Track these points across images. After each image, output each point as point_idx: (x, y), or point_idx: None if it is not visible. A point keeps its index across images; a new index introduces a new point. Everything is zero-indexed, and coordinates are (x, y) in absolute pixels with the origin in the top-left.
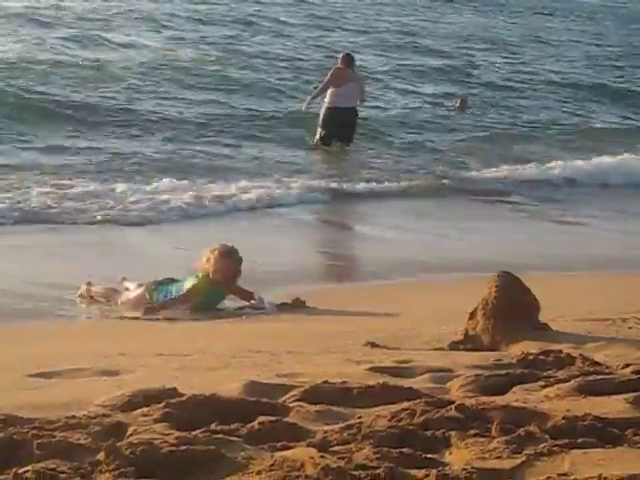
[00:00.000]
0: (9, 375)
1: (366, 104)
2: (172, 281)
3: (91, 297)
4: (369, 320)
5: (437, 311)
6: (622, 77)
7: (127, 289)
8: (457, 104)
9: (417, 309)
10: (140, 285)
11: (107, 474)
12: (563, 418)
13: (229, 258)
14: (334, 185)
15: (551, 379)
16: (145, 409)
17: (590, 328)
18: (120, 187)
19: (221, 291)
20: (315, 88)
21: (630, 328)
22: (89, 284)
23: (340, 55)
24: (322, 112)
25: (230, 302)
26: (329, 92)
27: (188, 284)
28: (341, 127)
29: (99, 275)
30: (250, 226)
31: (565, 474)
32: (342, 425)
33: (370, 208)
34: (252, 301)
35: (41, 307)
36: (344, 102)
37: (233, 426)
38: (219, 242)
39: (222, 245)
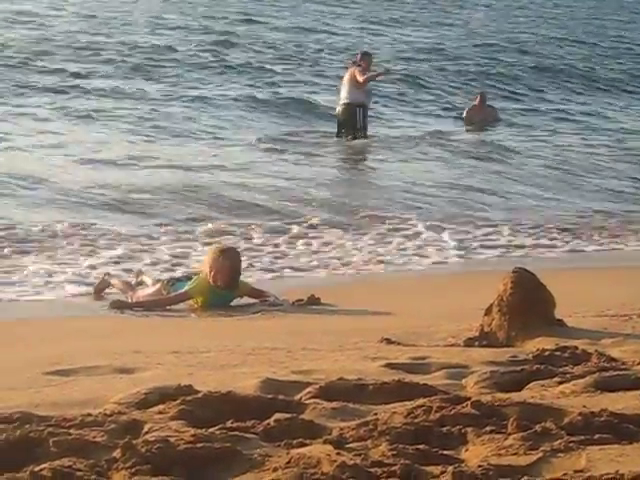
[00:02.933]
0: (26, 373)
1: None
2: (188, 279)
3: (103, 290)
4: (384, 317)
5: (452, 308)
6: None
7: (142, 283)
8: (476, 102)
9: (432, 306)
10: (157, 281)
11: (123, 472)
12: (579, 414)
13: (224, 258)
14: None
15: (567, 375)
16: (161, 406)
17: (606, 324)
18: None
19: (228, 292)
20: None
21: None
22: (108, 275)
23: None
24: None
25: (244, 300)
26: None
27: (189, 285)
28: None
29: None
30: None
31: (581, 470)
32: (358, 422)
33: None
34: (266, 300)
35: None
36: (340, 99)
37: (249, 423)
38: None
39: (217, 246)
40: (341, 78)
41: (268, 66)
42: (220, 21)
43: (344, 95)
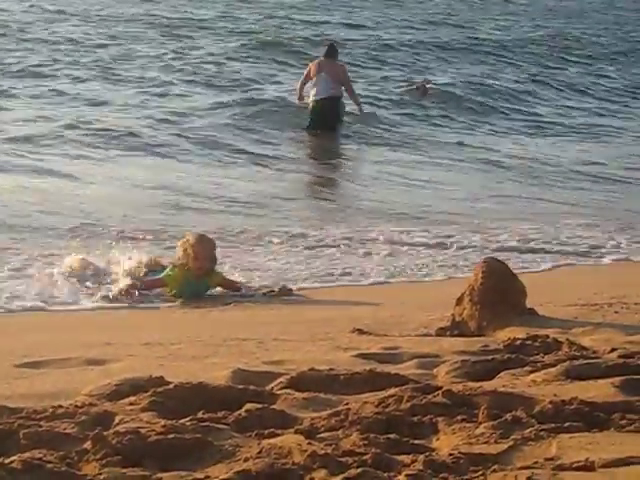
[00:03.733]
0: None
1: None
2: (163, 269)
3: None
4: (356, 307)
5: (424, 298)
6: None
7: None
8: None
9: (404, 296)
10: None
11: (94, 463)
12: (550, 403)
13: (198, 244)
14: None
15: (538, 364)
16: (132, 398)
17: (577, 313)
18: None
19: (201, 282)
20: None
21: (616, 313)
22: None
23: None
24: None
25: (216, 291)
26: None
27: (164, 272)
28: (321, 119)
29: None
30: None
31: (552, 458)
32: (329, 412)
33: None
34: (238, 290)
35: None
36: (317, 94)
37: (220, 414)
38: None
39: (193, 233)
40: (313, 69)
41: None
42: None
43: (330, 89)
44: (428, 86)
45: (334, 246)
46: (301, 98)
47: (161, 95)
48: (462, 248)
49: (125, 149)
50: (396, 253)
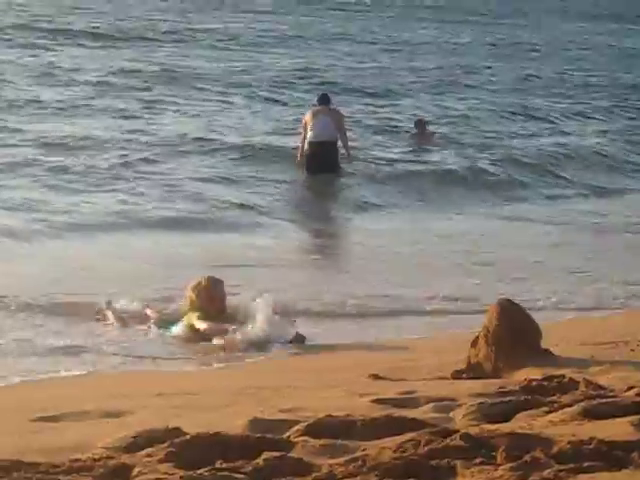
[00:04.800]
0: (13, 419)
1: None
2: (175, 321)
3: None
4: (371, 353)
5: (439, 342)
6: None
7: (147, 318)
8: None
9: (419, 340)
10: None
11: None
12: (568, 443)
13: (215, 286)
14: None
15: (555, 404)
16: (149, 449)
17: (593, 352)
18: None
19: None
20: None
21: (632, 351)
22: (108, 303)
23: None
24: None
25: None
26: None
27: (187, 321)
28: (320, 162)
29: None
30: None
31: None
32: (347, 458)
33: None
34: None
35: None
36: (317, 136)
37: (238, 463)
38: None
39: (204, 277)
40: (309, 116)
41: None
42: None
43: (329, 132)
44: (431, 129)
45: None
46: (302, 155)
47: None
48: None
49: None
50: None
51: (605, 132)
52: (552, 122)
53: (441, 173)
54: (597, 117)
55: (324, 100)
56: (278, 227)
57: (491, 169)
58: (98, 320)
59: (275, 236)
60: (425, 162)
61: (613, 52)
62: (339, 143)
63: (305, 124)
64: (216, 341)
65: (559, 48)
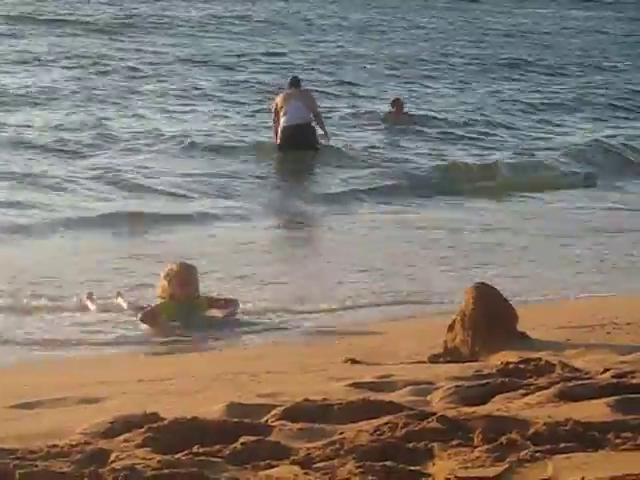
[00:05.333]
0: None
1: None
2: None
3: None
4: (348, 338)
5: (417, 326)
6: None
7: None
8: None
9: (396, 326)
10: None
11: None
12: (544, 424)
13: (186, 271)
14: None
15: (531, 387)
16: (127, 435)
17: (569, 335)
18: None
19: (190, 307)
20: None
21: (608, 333)
22: (90, 294)
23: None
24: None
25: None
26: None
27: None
28: (294, 142)
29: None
30: None
31: (548, 479)
32: (325, 442)
33: None
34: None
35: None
36: (290, 120)
37: (215, 447)
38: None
39: (175, 263)
40: (280, 100)
41: None
42: None
43: (302, 115)
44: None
45: None
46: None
47: None
48: None
49: None
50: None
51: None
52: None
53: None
54: None
55: (294, 83)
56: (247, 219)
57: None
58: (79, 310)
59: (244, 228)
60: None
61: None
62: (313, 124)
63: (276, 107)
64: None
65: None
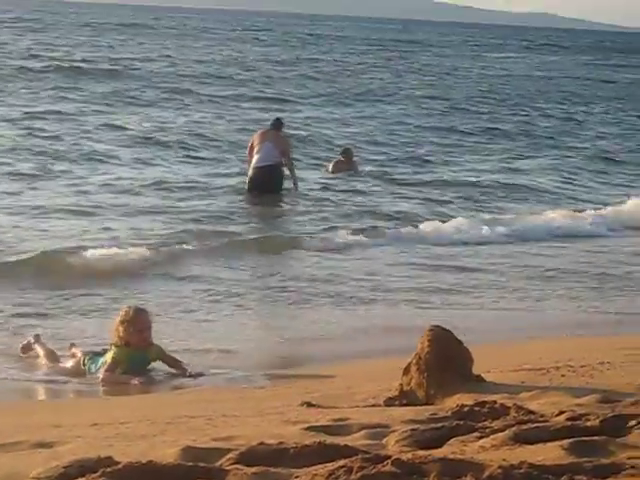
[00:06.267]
0: None
1: None
2: (104, 352)
3: (29, 349)
4: (303, 381)
5: (373, 369)
6: None
7: (74, 356)
8: (342, 159)
9: (352, 368)
10: (74, 355)
11: None
12: (499, 467)
13: (141, 316)
14: None
15: (486, 430)
16: (81, 479)
17: (524, 378)
18: None
19: (144, 354)
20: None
21: (563, 376)
22: (37, 338)
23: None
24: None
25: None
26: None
27: (108, 356)
28: (261, 184)
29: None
30: None
31: None
32: None
33: None
34: (182, 370)
35: None
36: (261, 160)
37: None
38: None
39: (128, 308)
40: (257, 138)
41: None
42: None
43: (272, 157)
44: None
45: None
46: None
47: None
48: None
49: None
50: None
51: None
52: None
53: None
54: None
55: (276, 125)
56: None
57: None
58: (25, 354)
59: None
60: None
61: None
62: (283, 168)
63: (251, 147)
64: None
65: None
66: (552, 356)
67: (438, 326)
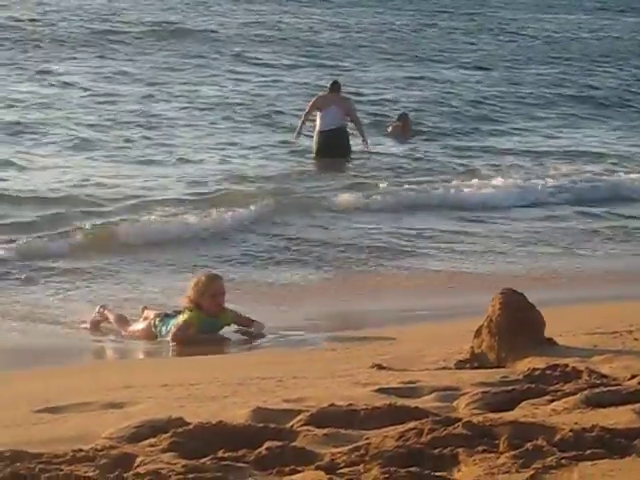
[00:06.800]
0: (16, 411)
1: None
2: (176, 314)
3: (99, 322)
4: (374, 343)
5: (443, 332)
6: None
7: (146, 318)
8: (399, 124)
9: (421, 331)
10: (145, 318)
11: None
12: (571, 431)
13: (214, 282)
14: None
15: (558, 393)
16: (152, 439)
17: (596, 341)
18: None
19: (217, 320)
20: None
21: (636, 340)
22: (103, 307)
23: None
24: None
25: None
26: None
27: (181, 318)
28: (330, 149)
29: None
30: None
31: None
32: (350, 447)
33: None
34: (252, 328)
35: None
36: (327, 125)
37: (240, 452)
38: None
39: (204, 274)
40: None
41: None
42: None
43: (338, 121)
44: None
45: None
46: (298, 135)
47: None
48: None
49: None
50: None
51: None
52: None
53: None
54: None
55: (334, 87)
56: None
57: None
58: (93, 330)
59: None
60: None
61: None
62: (349, 129)
63: (312, 107)
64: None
65: None
66: (626, 320)
67: (510, 289)
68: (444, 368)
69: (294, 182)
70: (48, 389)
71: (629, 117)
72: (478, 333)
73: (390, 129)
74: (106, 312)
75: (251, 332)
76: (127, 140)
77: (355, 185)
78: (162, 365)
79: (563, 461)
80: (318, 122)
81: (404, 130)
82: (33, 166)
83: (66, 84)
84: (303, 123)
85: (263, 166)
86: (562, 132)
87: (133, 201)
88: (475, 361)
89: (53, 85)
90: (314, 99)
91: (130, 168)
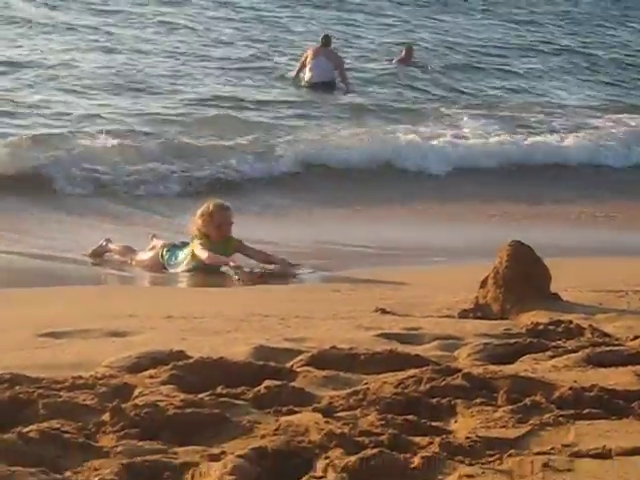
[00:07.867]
0: (19, 334)
1: None
2: (184, 245)
3: (102, 252)
4: (380, 287)
5: (450, 279)
6: None
7: (154, 248)
8: (402, 54)
9: (430, 277)
10: (153, 247)
11: (111, 435)
12: (570, 389)
13: (223, 211)
14: None
15: (560, 349)
16: (152, 371)
17: (601, 299)
18: None
19: (224, 246)
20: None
21: None
22: (108, 240)
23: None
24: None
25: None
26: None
27: (188, 250)
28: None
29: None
30: None
31: (569, 445)
32: (348, 391)
33: None
34: (272, 265)
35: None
36: (318, 76)
37: (239, 390)
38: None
39: (211, 202)
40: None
41: None
42: None
43: (327, 73)
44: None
45: None
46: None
47: None
48: None
49: None
50: None
51: None
52: None
53: None
54: None
55: (327, 41)
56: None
57: None
58: (96, 259)
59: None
60: None
61: None
62: (337, 81)
63: (305, 59)
64: (225, 269)
65: None
66: (634, 279)
67: (518, 241)
68: (448, 316)
69: None
70: (52, 314)
71: None
72: (484, 283)
73: (394, 60)
74: (110, 245)
75: (272, 271)
76: None
77: None
78: (167, 296)
79: (560, 419)
80: (308, 73)
81: (406, 58)
82: None
83: None
84: (297, 77)
85: None
86: None
87: None
88: (479, 311)
89: None
90: (306, 52)
91: None
